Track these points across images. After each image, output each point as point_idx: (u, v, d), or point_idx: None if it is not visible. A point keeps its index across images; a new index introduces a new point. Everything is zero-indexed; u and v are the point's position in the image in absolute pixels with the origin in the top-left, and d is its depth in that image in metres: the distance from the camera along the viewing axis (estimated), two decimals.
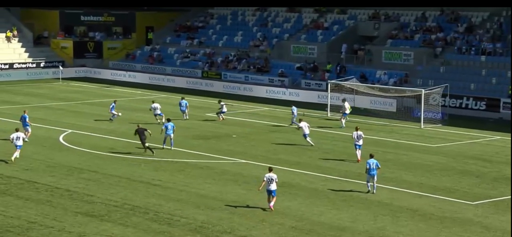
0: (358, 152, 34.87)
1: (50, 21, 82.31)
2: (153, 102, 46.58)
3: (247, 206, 27.11)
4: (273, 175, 26.54)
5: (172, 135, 37.17)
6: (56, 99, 56.90)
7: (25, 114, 39.95)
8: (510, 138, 41.83)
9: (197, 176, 31.91)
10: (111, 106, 45.91)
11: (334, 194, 29.02)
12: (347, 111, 46.02)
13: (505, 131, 44.19)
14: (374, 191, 29.09)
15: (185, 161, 34.94)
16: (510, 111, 49.48)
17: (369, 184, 29.17)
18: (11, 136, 34.51)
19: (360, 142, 34.94)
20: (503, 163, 35.41)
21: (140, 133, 36.38)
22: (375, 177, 29.01)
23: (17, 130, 35.08)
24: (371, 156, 29.47)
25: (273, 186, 26.46)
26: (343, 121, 45.22)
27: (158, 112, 45.51)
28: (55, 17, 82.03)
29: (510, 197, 28.86)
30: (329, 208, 27.05)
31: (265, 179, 26.54)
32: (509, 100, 50.14)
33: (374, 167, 28.83)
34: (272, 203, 26.65)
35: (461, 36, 59.82)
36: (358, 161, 34.54)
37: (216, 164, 34.61)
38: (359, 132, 35.07)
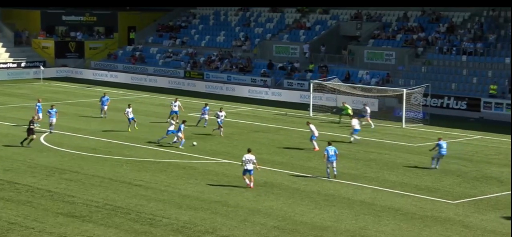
0: (315, 143, 37.55)
1: (31, 21, 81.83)
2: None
3: (230, 206, 27.09)
4: (251, 156, 29.24)
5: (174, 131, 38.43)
6: (37, 99, 56.45)
7: (39, 103, 44.08)
8: (492, 138, 42.19)
9: (180, 176, 31.85)
10: (49, 111, 42.44)
11: (316, 194, 29.07)
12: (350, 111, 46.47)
13: (485, 130, 44.53)
14: (335, 173, 31.12)
15: (167, 161, 34.85)
16: (491, 111, 49.89)
17: (328, 170, 31.17)
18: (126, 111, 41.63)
19: (316, 134, 37.92)
20: (484, 162, 35.66)
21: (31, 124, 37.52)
22: (334, 163, 31.00)
23: (129, 106, 42.45)
24: (329, 144, 31.59)
25: (250, 166, 29.11)
26: (371, 122, 45.42)
27: (176, 109, 45.78)
28: (37, 17, 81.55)
29: (494, 195, 29.11)
30: (312, 207, 27.09)
31: (244, 160, 29.17)
32: (489, 100, 50.50)
33: (333, 153, 30.92)
34: (251, 184, 29.28)
35: (442, 36, 60.17)
36: (315, 150, 37.15)
37: (198, 164, 34.56)
38: (313, 126, 38.22)
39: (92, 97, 58.71)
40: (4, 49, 76.45)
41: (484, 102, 50.61)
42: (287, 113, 51.47)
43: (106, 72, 72.72)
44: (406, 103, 46.54)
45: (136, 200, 27.83)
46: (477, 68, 55.54)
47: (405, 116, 46.29)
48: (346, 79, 57.94)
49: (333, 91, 51.94)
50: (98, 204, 27.23)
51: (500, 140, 41.66)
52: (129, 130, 42.33)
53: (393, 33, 63.05)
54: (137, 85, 67.02)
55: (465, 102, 51.42)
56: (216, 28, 76.23)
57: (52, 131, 41.47)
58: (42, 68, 71.26)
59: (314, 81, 52.72)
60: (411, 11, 64.94)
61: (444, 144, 33.58)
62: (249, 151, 29.77)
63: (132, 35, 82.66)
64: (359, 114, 45.81)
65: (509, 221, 25.62)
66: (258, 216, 25.84)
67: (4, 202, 27.35)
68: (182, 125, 38.09)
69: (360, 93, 51.86)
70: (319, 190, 29.64)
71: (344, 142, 40.07)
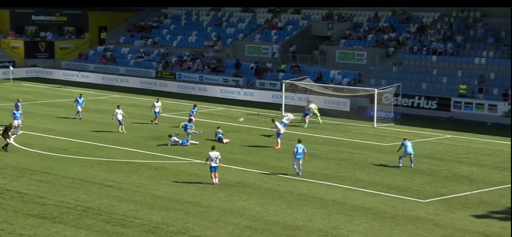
0: (279, 140, 38.16)
1: (0, 21, 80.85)
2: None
3: (202, 206, 27.04)
4: (216, 153, 29.84)
5: (190, 131, 39.05)
6: (7, 99, 55.79)
7: (18, 103, 43.96)
8: (462, 137, 42.65)
9: (152, 176, 31.71)
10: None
11: (289, 193, 29.13)
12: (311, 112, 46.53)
13: (455, 130, 44.99)
14: (300, 172, 31.59)
15: (139, 162, 34.68)
16: (461, 110, 50.43)
17: (295, 166, 31.74)
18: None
19: (282, 131, 38.43)
20: (454, 161, 36.02)
21: (6, 130, 36.65)
22: (301, 160, 31.52)
23: (118, 107, 42.56)
24: (299, 141, 32.15)
25: (214, 164, 29.68)
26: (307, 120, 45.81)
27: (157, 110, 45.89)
28: (6, 17, 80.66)
29: (464, 194, 29.44)
30: (284, 207, 27.14)
31: (209, 157, 29.77)
32: (459, 100, 51.04)
33: (301, 151, 31.47)
34: (216, 180, 29.84)
35: (412, 36, 60.67)
36: (276, 147, 37.89)
37: (170, 164, 34.44)
38: (277, 123, 38.91)
39: (62, 98, 58.25)
40: None
41: (454, 102, 51.14)
42: (260, 113, 51.52)
43: (77, 72, 72.18)
44: (377, 103, 46.82)
45: (107, 201, 27.64)
46: (447, 68, 56.10)
47: (377, 116, 46.57)
48: (318, 79, 58.16)
49: (305, 91, 52.10)
50: (69, 205, 27.00)
51: (470, 139, 42.13)
52: (120, 131, 41.99)
53: (364, 33, 63.42)
54: (109, 85, 66.59)
55: (436, 102, 51.90)
56: (188, 28, 76.05)
57: (18, 132, 40.98)
58: (11, 68, 70.47)
59: (286, 81, 52.83)
60: (382, 11, 65.39)
61: (408, 143, 33.95)
62: (213, 148, 30.37)
63: (103, 35, 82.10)
64: (304, 113, 46.21)
65: (479, 220, 25.94)
66: (231, 216, 25.82)
67: None
68: (188, 123, 39.43)
69: (332, 93, 52.11)
70: (292, 190, 29.71)
71: (317, 143, 40.25)
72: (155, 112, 45.80)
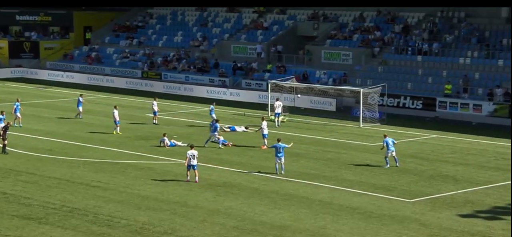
0: (265, 141, 38.08)
1: None
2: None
3: (189, 207, 27.02)
4: (194, 152, 30.37)
5: (216, 134, 38.69)
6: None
7: (18, 103, 44.54)
8: (447, 137, 42.87)
9: (138, 177, 31.64)
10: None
11: (275, 193, 29.17)
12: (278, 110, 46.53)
13: (440, 130, 45.21)
14: (282, 171, 32.01)
15: (126, 162, 34.59)
16: (446, 110, 50.68)
17: (277, 165, 32.08)
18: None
19: (266, 131, 38.48)
20: (439, 161, 36.20)
21: (5, 129, 36.44)
22: (283, 159, 31.97)
23: (116, 108, 42.15)
24: (278, 141, 32.38)
25: (194, 162, 30.23)
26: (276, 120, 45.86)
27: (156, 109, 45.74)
28: None
29: (449, 193, 29.60)
30: (271, 207, 27.17)
31: (188, 155, 30.19)
32: (444, 100, 51.28)
33: (281, 150, 31.85)
34: (197, 178, 30.24)
35: (398, 36, 60.90)
36: (262, 148, 37.75)
37: (157, 165, 34.38)
38: (265, 122, 39.06)
39: (47, 98, 57.99)
40: None
41: (439, 102, 51.38)
42: (246, 113, 51.52)
43: (62, 73, 71.84)
44: (363, 103, 46.95)
45: (94, 201, 27.56)
46: (432, 68, 56.35)
47: (362, 116, 46.71)
48: (304, 79, 58.25)
49: (291, 91, 52.15)
50: (55, 205, 26.89)
51: (455, 139, 42.35)
52: (114, 132, 41.72)
53: (349, 34, 63.58)
54: (94, 86, 66.33)
55: (421, 102, 52.12)
56: (174, 28, 75.91)
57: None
58: None
59: (272, 81, 52.85)
60: (367, 11, 65.57)
61: (389, 140, 34.08)
62: (191, 147, 30.82)
63: (88, 35, 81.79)
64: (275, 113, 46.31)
65: (464, 219, 26.10)
66: (218, 217, 25.82)
67: None
68: (217, 124, 39.25)
69: (318, 93, 52.17)
70: (278, 189, 29.75)
71: (303, 143, 40.31)
72: (156, 112, 45.76)
